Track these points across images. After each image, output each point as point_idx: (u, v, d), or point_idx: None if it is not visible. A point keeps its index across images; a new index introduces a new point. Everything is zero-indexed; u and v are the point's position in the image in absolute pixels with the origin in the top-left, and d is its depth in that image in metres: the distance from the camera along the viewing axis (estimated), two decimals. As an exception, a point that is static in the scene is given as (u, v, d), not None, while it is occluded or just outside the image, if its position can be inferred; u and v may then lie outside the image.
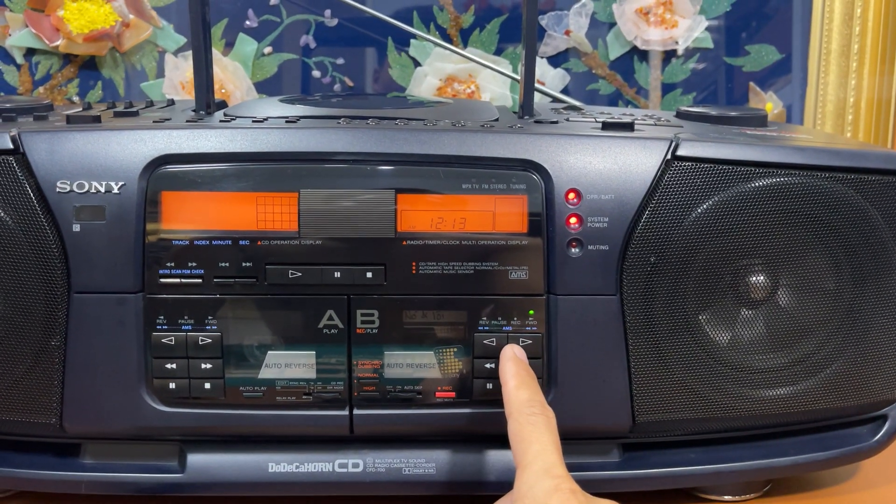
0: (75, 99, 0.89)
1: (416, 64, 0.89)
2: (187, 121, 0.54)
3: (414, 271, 0.51)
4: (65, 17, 0.87)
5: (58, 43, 0.87)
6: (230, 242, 0.50)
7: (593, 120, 0.59)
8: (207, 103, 0.61)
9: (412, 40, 0.89)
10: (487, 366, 0.52)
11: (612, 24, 0.89)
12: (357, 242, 0.51)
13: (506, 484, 0.55)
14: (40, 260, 0.50)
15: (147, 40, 0.88)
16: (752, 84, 0.90)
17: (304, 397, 0.52)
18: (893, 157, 0.53)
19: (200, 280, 0.51)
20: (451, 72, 0.89)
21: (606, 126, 0.55)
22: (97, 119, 0.53)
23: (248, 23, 0.89)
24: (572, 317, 0.52)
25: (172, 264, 0.50)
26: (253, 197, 0.50)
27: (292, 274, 0.51)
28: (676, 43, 0.89)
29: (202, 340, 0.51)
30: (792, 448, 0.57)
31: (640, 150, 0.52)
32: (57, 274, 0.50)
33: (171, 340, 0.51)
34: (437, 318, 0.52)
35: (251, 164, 0.50)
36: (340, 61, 0.89)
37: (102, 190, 0.50)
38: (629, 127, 0.55)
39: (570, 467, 0.55)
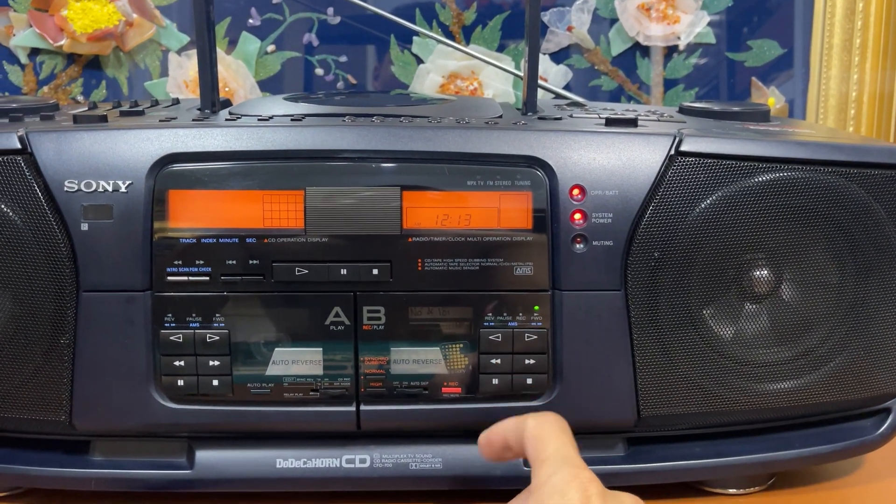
0: (80, 98, 0.90)
1: (419, 61, 0.90)
2: (193, 120, 0.54)
3: (420, 268, 0.52)
4: (68, 17, 0.87)
5: (62, 43, 0.88)
6: (237, 240, 0.51)
7: (597, 116, 0.59)
8: (212, 102, 0.61)
9: (415, 38, 0.89)
10: (493, 361, 0.53)
11: (615, 20, 0.89)
12: (363, 239, 0.51)
13: (512, 479, 0.55)
14: (49, 259, 0.50)
15: (150, 39, 0.89)
16: (754, 79, 0.90)
17: (311, 393, 0.53)
18: (894, 150, 0.53)
19: (208, 278, 0.51)
20: (454, 69, 0.89)
21: (610, 122, 0.55)
22: (104, 118, 0.54)
23: (251, 21, 0.89)
24: (577, 312, 0.52)
25: (180, 262, 0.51)
26: (259, 195, 0.50)
27: (299, 271, 0.51)
28: (678, 38, 0.89)
29: (210, 338, 0.52)
30: (796, 441, 0.58)
31: (643, 145, 0.52)
32: (66, 273, 0.50)
33: (178, 338, 0.52)
34: (442, 314, 0.52)
35: (257, 162, 0.51)
36: (343, 59, 0.90)
37: (110, 189, 0.50)
38: (633, 123, 0.55)
39: None
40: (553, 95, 0.80)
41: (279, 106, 0.61)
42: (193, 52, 0.89)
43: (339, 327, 0.52)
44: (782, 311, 0.55)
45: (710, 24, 0.89)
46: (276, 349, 0.52)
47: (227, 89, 0.89)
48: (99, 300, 0.51)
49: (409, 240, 0.51)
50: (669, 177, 0.52)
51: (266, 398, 0.53)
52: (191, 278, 0.51)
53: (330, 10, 0.88)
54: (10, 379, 0.52)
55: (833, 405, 0.57)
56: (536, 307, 0.52)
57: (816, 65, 0.90)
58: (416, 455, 0.55)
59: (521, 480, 0.55)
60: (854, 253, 0.54)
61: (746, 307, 0.55)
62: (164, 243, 0.51)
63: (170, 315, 0.51)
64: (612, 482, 0.55)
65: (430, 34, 0.82)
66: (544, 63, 0.90)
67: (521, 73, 0.83)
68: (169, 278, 0.51)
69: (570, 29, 0.89)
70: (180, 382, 0.52)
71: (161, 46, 0.89)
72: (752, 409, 0.56)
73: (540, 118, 0.58)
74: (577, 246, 0.52)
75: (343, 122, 0.53)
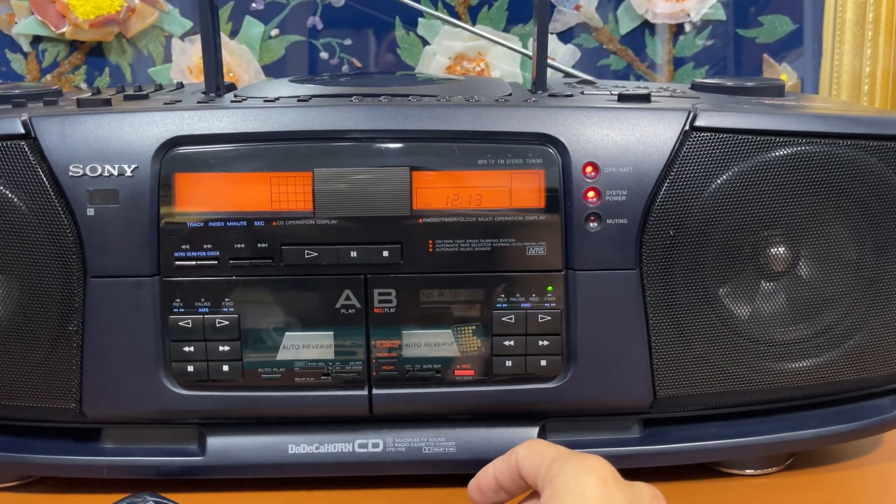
0: (82, 86, 0.89)
1: (425, 43, 0.89)
2: (198, 102, 0.54)
3: (430, 249, 0.51)
4: (70, 4, 0.86)
5: (64, 30, 0.87)
6: (245, 223, 0.50)
7: (608, 93, 0.59)
8: (217, 86, 0.60)
9: (420, 19, 0.88)
10: (506, 343, 0.52)
11: (623, -2, 0.88)
12: (373, 221, 0.51)
13: None
14: (55, 245, 0.50)
15: (153, 25, 0.88)
16: (765, 56, 0.89)
17: (322, 378, 0.53)
18: None
19: (216, 262, 0.51)
20: (460, 50, 0.88)
21: (623, 98, 0.54)
22: (108, 102, 0.53)
23: (254, 5, 0.88)
24: (591, 292, 0.52)
25: (187, 246, 0.50)
26: (267, 177, 0.50)
27: (308, 254, 0.51)
28: (688, 15, 0.88)
29: (219, 323, 0.51)
30: (814, 421, 0.57)
31: (657, 121, 0.51)
32: (72, 259, 0.50)
33: (188, 323, 0.51)
34: (454, 296, 0.52)
35: (264, 143, 0.50)
36: (348, 42, 0.89)
37: (115, 173, 0.50)
38: (646, 98, 0.54)
39: (592, 443, 0.56)
40: (562, 75, 0.79)
41: (285, 88, 0.60)
42: (197, 38, 0.88)
43: (350, 311, 0.52)
44: (800, 289, 0.55)
45: (719, 0, 0.88)
46: (287, 333, 0.52)
47: (231, 74, 0.88)
48: (106, 286, 0.51)
49: (420, 221, 0.51)
50: (684, 152, 0.51)
51: (277, 383, 0.53)
52: (199, 263, 0.51)
53: (334, -8, 0.88)
54: (19, 367, 0.52)
55: (852, 383, 0.56)
56: (550, 288, 0.52)
57: (829, 40, 0.89)
58: (430, 439, 0.55)
59: None
60: (873, 227, 0.53)
61: (763, 285, 0.54)
62: (171, 227, 0.50)
63: (178, 300, 0.51)
64: (627, 464, 0.55)
65: (437, 14, 0.81)
66: (552, 43, 0.89)
67: (528, 53, 0.83)
68: (177, 263, 0.50)
69: (577, 8, 0.88)
70: (190, 368, 0.52)
71: (164, 32, 0.88)
72: (770, 389, 0.55)
73: (551, 95, 0.57)
74: (591, 224, 0.51)
75: (350, 102, 0.53)
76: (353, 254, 0.51)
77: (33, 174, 0.50)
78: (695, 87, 0.65)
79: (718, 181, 0.51)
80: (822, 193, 0.53)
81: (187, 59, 0.88)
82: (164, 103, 0.54)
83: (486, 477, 0.46)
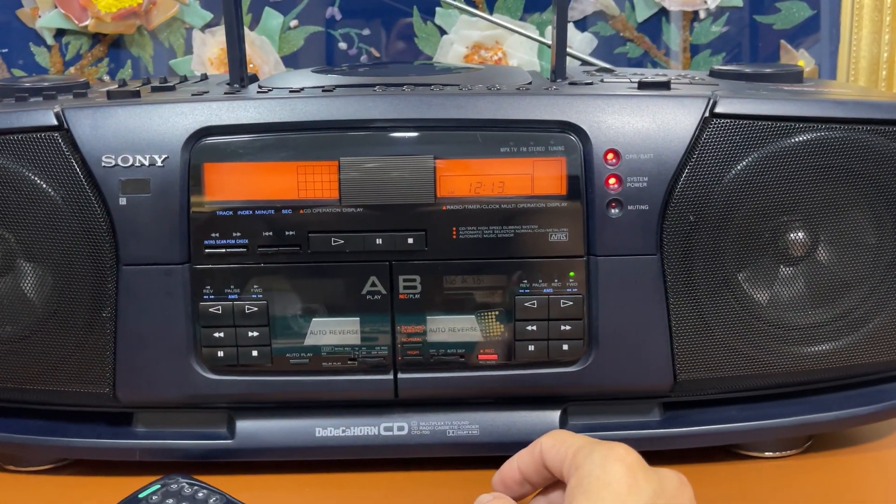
0: (105, 78, 0.91)
1: (442, 32, 0.90)
2: (225, 93, 0.55)
3: (454, 236, 0.52)
4: (92, -3, 0.88)
5: (87, 23, 0.88)
6: (273, 212, 0.51)
7: (628, 80, 0.59)
8: (241, 77, 0.62)
9: (437, 8, 0.89)
10: (529, 328, 0.53)
11: (640, -15, 0.88)
12: (397, 209, 0.52)
13: None
14: (88, 234, 0.52)
15: (174, 17, 0.89)
16: (783, 42, 0.89)
17: (349, 363, 0.54)
18: None
19: (245, 249, 0.52)
20: (478, 39, 0.89)
21: (643, 85, 0.55)
22: (137, 94, 0.54)
23: (273, -4, 0.89)
24: (613, 277, 0.53)
25: (217, 235, 0.52)
26: (293, 166, 0.51)
27: (335, 241, 0.52)
28: (704, 2, 0.88)
29: (248, 309, 0.53)
30: (834, 403, 0.58)
31: (677, 108, 0.52)
32: (105, 247, 0.52)
33: (217, 310, 0.53)
34: (477, 282, 0.53)
35: (290, 133, 0.52)
36: (366, 32, 0.90)
37: (146, 163, 0.51)
38: (666, 86, 0.55)
39: (613, 426, 0.57)
40: (579, 63, 0.79)
41: (308, 78, 0.61)
42: (217, 30, 0.89)
43: (376, 297, 0.53)
44: (819, 273, 0.55)
45: (737, -14, 0.88)
46: (314, 319, 0.53)
47: (251, 66, 0.89)
48: (139, 273, 0.52)
49: (444, 208, 0.52)
50: (704, 139, 0.52)
51: (305, 368, 0.54)
52: (228, 250, 0.52)
53: (352, -17, 0.89)
54: (54, 352, 0.54)
55: (871, 367, 0.57)
56: (571, 273, 0.53)
57: (847, 25, 0.88)
58: (454, 422, 0.56)
59: None
60: (892, 211, 0.54)
61: (782, 270, 0.55)
62: (200, 216, 0.51)
63: (208, 287, 0.52)
64: (648, 447, 0.56)
65: (455, 3, 0.82)
66: (570, 31, 0.89)
67: (547, 42, 0.83)
68: (206, 251, 0.52)
69: (594, -5, 0.88)
70: (220, 353, 0.53)
71: (185, 24, 0.90)
72: (789, 372, 0.56)
73: (571, 83, 0.58)
74: (612, 211, 0.52)
75: (374, 92, 0.53)
76: (379, 241, 0.52)
77: (67, 165, 0.51)
78: (713, 73, 0.66)
79: (738, 167, 0.52)
80: (841, 178, 0.53)
81: (208, 50, 0.89)
82: (192, 94, 0.55)
83: (510, 469, 0.47)
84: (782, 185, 0.53)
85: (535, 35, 0.87)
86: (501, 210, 0.52)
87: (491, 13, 0.89)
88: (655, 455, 0.57)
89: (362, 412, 0.56)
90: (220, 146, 0.51)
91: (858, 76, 0.89)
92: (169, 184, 0.51)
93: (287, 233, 0.52)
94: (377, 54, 0.90)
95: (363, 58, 0.90)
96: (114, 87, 0.65)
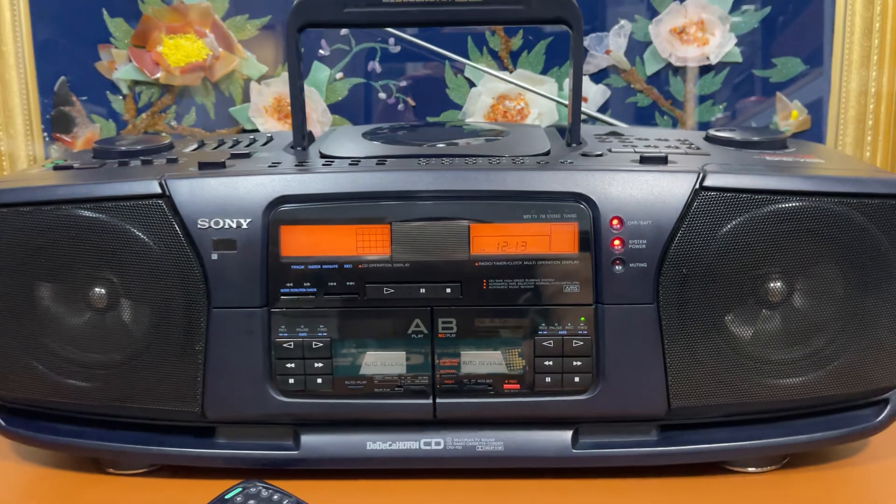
0: (173, 123, 1.01)
1: (471, 84, 0.99)
2: (296, 165, 0.65)
3: (484, 287, 0.61)
4: (163, 53, 0.98)
5: (158, 75, 0.99)
6: (336, 266, 0.61)
7: (632, 150, 0.68)
8: (302, 136, 0.72)
9: (467, 63, 0.98)
10: (546, 363, 0.62)
11: (648, 43, 0.97)
12: (438, 264, 0.61)
13: (562, 458, 0.64)
14: (185, 282, 0.61)
15: (234, 70, 0.99)
16: (779, 94, 0.98)
17: (396, 389, 0.63)
18: (890, 182, 0.61)
19: (313, 296, 0.61)
20: (503, 91, 0.98)
21: (644, 160, 0.63)
22: (223, 165, 0.64)
23: (321, 52, 0.99)
24: (617, 322, 0.61)
25: (291, 284, 0.61)
26: (353, 229, 0.61)
27: (386, 290, 0.61)
28: (708, 58, 0.97)
29: (315, 344, 0.62)
30: (806, 427, 0.64)
31: (672, 181, 0.60)
32: (199, 293, 0.61)
33: (290, 345, 0.62)
34: (503, 324, 0.62)
35: (350, 202, 0.61)
36: (403, 83, 0.99)
37: (234, 225, 0.61)
38: (664, 160, 0.63)
39: (616, 445, 0.64)
40: (591, 120, 0.88)
41: (360, 145, 0.71)
42: (271, 81, 0.99)
43: (419, 335, 0.62)
44: (794, 318, 0.62)
45: (737, 44, 0.97)
46: (368, 353, 0.62)
47: (301, 113, 0.99)
48: (226, 315, 0.61)
49: (476, 264, 0.61)
50: (695, 207, 0.60)
51: (359, 392, 0.63)
52: (299, 297, 0.61)
53: (391, 41, 0.98)
54: (153, 376, 0.63)
55: (837, 397, 0.64)
56: (582, 318, 0.62)
57: (837, 80, 0.97)
58: (482, 439, 0.64)
59: (569, 460, 0.64)
60: (856, 269, 0.61)
61: (763, 313, 0.62)
62: (277, 268, 0.61)
63: (282, 326, 0.62)
64: (647, 462, 0.64)
65: (479, 66, 0.91)
66: (585, 83, 0.98)
67: (562, 101, 0.92)
68: (282, 297, 0.61)
69: (608, 52, 0.97)
70: (291, 380, 0.63)
71: (243, 76, 0.99)
72: (767, 401, 0.63)
73: (583, 154, 0.67)
74: (616, 268, 0.61)
75: (419, 166, 0.63)
76: (422, 290, 0.61)
77: (168, 226, 0.60)
78: (708, 138, 0.74)
79: (724, 230, 0.60)
80: (813, 240, 0.60)
81: (263, 99, 1.00)
82: (268, 165, 0.65)
83: None
84: (762, 245, 0.60)
85: (554, 87, 0.96)
86: (524, 266, 0.61)
87: (515, 67, 0.98)
88: (653, 470, 0.66)
89: (406, 429, 0.64)
90: (293, 212, 0.61)
91: (847, 125, 0.97)
92: (252, 242, 0.60)
93: (348, 283, 0.61)
94: (413, 103, 1.00)
95: (400, 106, 1.00)
96: (194, 146, 0.75)
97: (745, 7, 0.96)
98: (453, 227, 0.61)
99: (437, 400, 0.63)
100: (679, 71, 0.98)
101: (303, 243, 0.61)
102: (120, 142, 0.74)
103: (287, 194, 0.61)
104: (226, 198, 0.61)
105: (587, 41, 0.97)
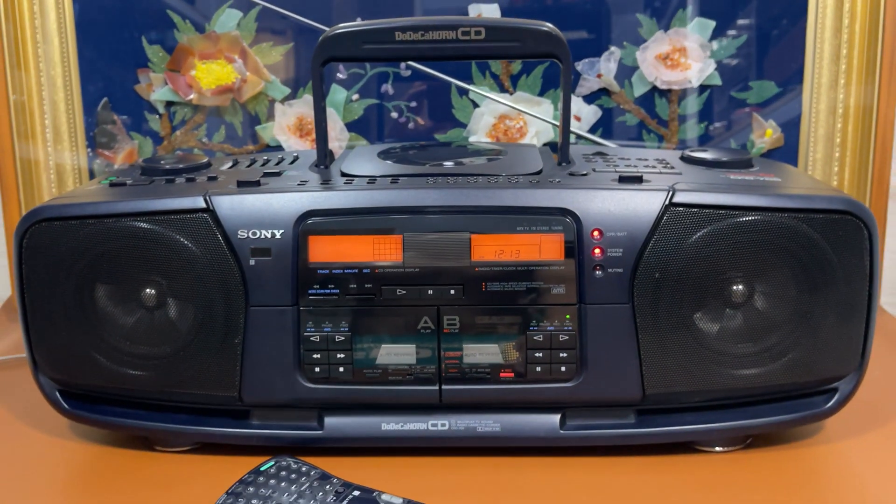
0: (204, 140, 1.11)
1: (475, 105, 1.08)
2: (320, 183, 0.74)
3: (483, 289, 0.68)
4: (196, 76, 1.08)
5: (191, 97, 1.08)
6: (356, 271, 0.69)
7: (613, 170, 0.76)
8: (325, 154, 0.81)
9: (471, 87, 1.08)
10: (537, 355, 0.69)
11: (636, 68, 1.06)
12: (444, 269, 0.67)
13: (552, 438, 0.71)
14: (226, 284, 0.69)
15: (260, 92, 1.09)
16: (755, 114, 1.07)
17: (407, 377, 0.69)
18: (833, 199, 0.68)
19: (336, 296, 0.68)
20: (504, 111, 1.08)
21: (622, 179, 0.72)
22: (258, 182, 0.74)
23: (339, 75, 1.09)
24: (597, 320, 0.68)
25: (317, 286, 0.69)
26: (371, 238, 0.69)
27: (399, 292, 0.68)
28: (690, 82, 1.05)
29: (338, 338, 0.69)
30: (766, 412, 0.70)
31: (645, 198, 0.68)
32: (238, 294, 0.68)
33: (316, 339, 0.69)
34: (500, 321, 0.68)
35: (368, 216, 0.69)
36: (413, 104, 1.08)
37: (269, 236, 0.69)
38: (639, 179, 0.72)
39: (598, 427, 0.71)
40: (579, 141, 0.97)
41: (376, 165, 0.80)
42: (294, 102, 1.09)
43: (427, 330, 0.69)
44: (753, 316, 0.67)
45: (716, 69, 1.06)
46: (383, 345, 0.69)
47: (321, 131, 1.08)
48: (261, 313, 0.69)
49: (476, 269, 0.68)
50: (665, 220, 0.66)
51: (376, 379, 0.69)
52: (325, 297, 0.68)
53: (402, 66, 1.07)
54: (197, 366, 0.69)
55: (791, 386, 0.69)
56: (568, 316, 0.68)
57: (807, 101, 1.05)
58: (481, 421, 0.70)
59: (557, 440, 0.72)
60: (805, 274, 0.66)
61: (726, 312, 0.67)
62: (306, 273, 0.68)
63: (310, 323, 0.69)
64: (625, 442, 0.71)
65: (481, 91, 1.00)
66: (578, 103, 1.07)
67: (556, 121, 1.01)
68: (309, 297, 0.68)
69: (599, 76, 1.07)
70: (317, 369, 0.70)
71: (268, 97, 1.09)
72: (730, 388, 0.68)
73: (570, 174, 0.76)
74: (597, 273, 0.69)
75: (427, 184, 0.71)
76: (430, 292, 0.68)
77: (212, 236, 0.68)
78: (683, 158, 0.83)
79: (690, 240, 0.66)
80: (768, 249, 0.66)
81: (287, 119, 1.09)
82: (297, 183, 0.74)
83: None
84: (724, 253, 0.66)
85: (550, 108, 1.05)
86: (517, 271, 0.68)
87: (514, 89, 1.08)
88: (631, 449, 0.73)
89: (415, 412, 0.70)
90: (319, 224, 0.69)
91: (818, 141, 1.06)
92: (284, 250, 0.67)
93: (366, 285, 0.68)
94: (422, 122, 1.09)
95: (410, 125, 1.09)
96: (229, 165, 0.85)
97: (723, 36, 1.05)
98: (457, 238, 0.68)
99: (443, 387, 0.70)
100: (664, 93, 1.06)
101: (327, 251, 0.68)
102: (164, 161, 0.84)
103: (314, 209, 0.69)
104: (261, 212, 0.70)
105: (581, 66, 1.06)
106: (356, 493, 0.61)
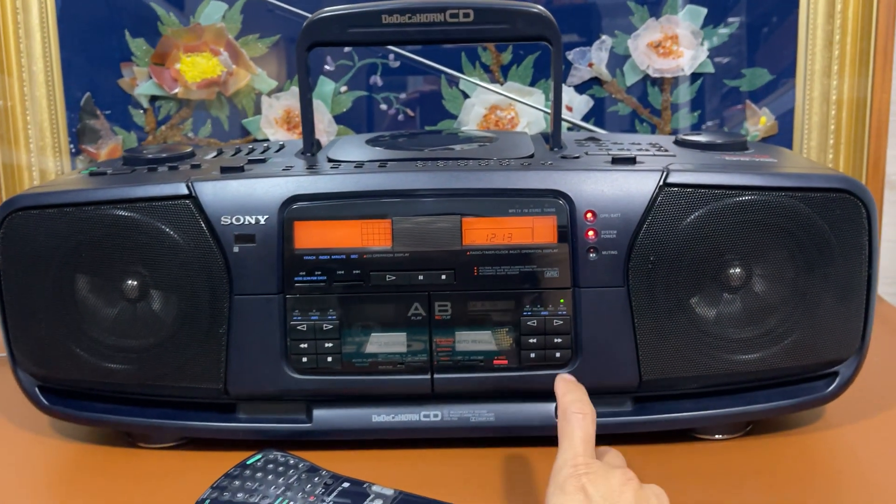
0: (190, 135, 1.09)
1: (465, 96, 1.07)
2: (307, 168, 0.73)
3: (475, 273, 0.67)
4: (181, 70, 1.07)
5: (176, 91, 1.07)
6: (344, 256, 0.68)
7: (606, 153, 0.75)
8: (311, 144, 0.80)
9: (461, 77, 1.06)
10: (531, 341, 0.69)
11: (628, 56, 1.05)
12: (434, 254, 0.67)
13: (547, 427, 0.70)
14: (210, 272, 0.67)
15: (247, 85, 1.07)
16: (748, 101, 1.06)
17: (397, 366, 0.68)
18: (830, 177, 0.68)
19: (323, 283, 0.67)
20: (495, 101, 1.06)
21: (615, 161, 0.71)
22: (242, 169, 0.72)
23: (326, 67, 1.07)
24: (592, 304, 0.67)
25: (303, 273, 0.68)
26: (359, 223, 0.68)
27: (388, 278, 0.68)
28: (682, 70, 1.05)
29: (325, 327, 0.69)
30: (765, 398, 0.70)
31: (639, 179, 0.67)
32: (222, 282, 0.67)
33: (303, 327, 0.69)
34: (493, 306, 0.68)
35: (356, 200, 0.68)
36: (402, 96, 1.07)
37: (253, 222, 0.68)
38: (632, 161, 0.71)
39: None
40: (572, 128, 0.96)
41: (364, 151, 0.79)
42: (281, 95, 1.08)
43: (418, 317, 0.69)
44: (751, 299, 0.67)
45: (709, 56, 1.05)
46: (373, 334, 0.68)
47: (308, 124, 1.07)
48: (246, 301, 0.68)
49: (468, 253, 0.67)
50: (659, 202, 0.66)
51: (365, 370, 0.68)
52: (311, 284, 0.68)
53: (391, 56, 1.06)
54: (181, 358, 0.68)
55: (791, 370, 0.69)
56: (562, 300, 0.68)
57: (801, 87, 1.05)
58: (475, 411, 0.70)
59: (553, 429, 0.68)
60: (803, 254, 0.66)
61: (724, 296, 0.67)
62: (291, 259, 0.68)
63: (296, 311, 0.69)
64: (622, 430, 0.70)
65: (473, 80, 0.99)
66: (569, 93, 1.06)
67: (548, 109, 1.00)
68: (296, 284, 0.68)
69: (590, 65, 1.06)
70: (304, 359, 0.69)
71: (255, 90, 1.08)
72: (729, 374, 0.68)
73: (562, 157, 0.74)
74: (591, 255, 0.68)
75: (416, 168, 0.71)
76: (420, 277, 0.67)
77: (195, 223, 0.67)
78: (678, 142, 0.82)
79: (685, 221, 0.66)
80: (765, 229, 0.66)
81: (273, 112, 1.08)
82: (283, 168, 0.72)
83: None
84: (720, 234, 0.65)
85: (541, 98, 1.04)
86: (510, 255, 0.67)
87: (505, 79, 1.07)
88: (628, 437, 0.71)
89: (407, 403, 0.69)
90: (305, 209, 0.68)
91: (812, 128, 1.05)
92: (269, 236, 0.67)
93: (354, 271, 0.67)
94: (412, 114, 1.08)
95: (400, 117, 1.08)
96: (213, 154, 0.83)
97: (716, 23, 1.04)
98: (447, 221, 0.67)
99: (435, 376, 0.69)
100: (656, 82, 1.06)
101: (314, 237, 0.67)
102: (147, 150, 0.82)
103: (299, 193, 0.68)
104: (245, 197, 0.68)
105: (572, 55, 1.05)
106: (346, 484, 0.59)
